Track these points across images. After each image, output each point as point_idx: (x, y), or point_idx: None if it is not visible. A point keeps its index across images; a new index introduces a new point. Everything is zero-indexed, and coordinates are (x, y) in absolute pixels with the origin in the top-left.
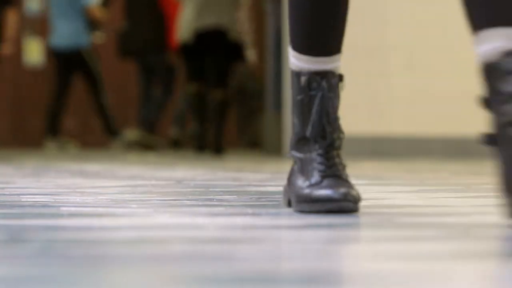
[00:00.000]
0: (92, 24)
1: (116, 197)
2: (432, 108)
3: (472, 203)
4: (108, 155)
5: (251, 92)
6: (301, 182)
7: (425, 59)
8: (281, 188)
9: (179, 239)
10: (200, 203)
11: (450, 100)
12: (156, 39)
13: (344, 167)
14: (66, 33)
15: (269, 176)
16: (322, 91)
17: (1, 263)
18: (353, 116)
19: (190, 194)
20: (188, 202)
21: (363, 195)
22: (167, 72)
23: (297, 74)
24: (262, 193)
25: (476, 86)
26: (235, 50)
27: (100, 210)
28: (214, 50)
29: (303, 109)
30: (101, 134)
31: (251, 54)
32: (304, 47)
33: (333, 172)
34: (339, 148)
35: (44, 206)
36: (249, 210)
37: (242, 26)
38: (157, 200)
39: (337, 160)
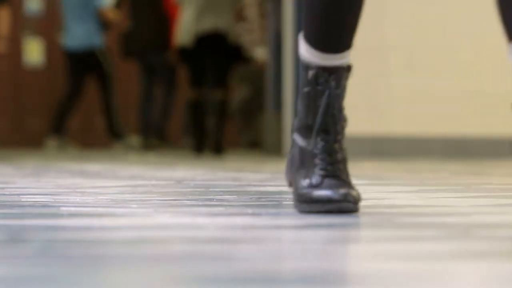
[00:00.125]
0: (104, 25)
1: (116, 197)
2: (432, 108)
3: (472, 203)
4: (109, 155)
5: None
6: (302, 180)
7: (425, 59)
8: (281, 188)
9: (179, 239)
10: (200, 203)
11: (450, 100)
12: (157, 39)
13: (345, 161)
14: (80, 34)
15: (269, 176)
16: (329, 89)
17: (1, 263)
18: (353, 116)
19: (190, 194)
20: (188, 202)
21: (363, 195)
22: (169, 72)
23: (305, 67)
24: (262, 193)
25: (476, 86)
26: (235, 52)
27: (100, 210)
28: (214, 53)
29: (308, 101)
30: (102, 134)
31: (260, 52)
32: (315, 42)
33: (334, 171)
34: (342, 138)
35: (44, 206)
36: (249, 210)
37: (252, 25)
38: (157, 200)
39: (339, 155)
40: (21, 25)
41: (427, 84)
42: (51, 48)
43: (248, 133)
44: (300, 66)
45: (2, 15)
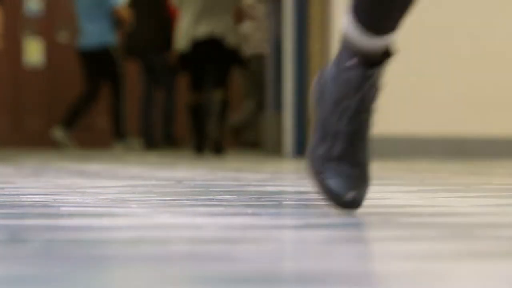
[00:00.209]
0: (118, 24)
1: (116, 197)
2: (432, 108)
3: (472, 203)
4: (109, 155)
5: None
6: (321, 147)
7: (425, 59)
8: (281, 188)
9: (179, 239)
10: (200, 203)
11: (450, 100)
12: (157, 39)
13: (368, 130)
14: (94, 33)
15: (269, 176)
16: (371, 83)
17: (1, 263)
18: None
19: (190, 194)
20: (188, 202)
21: None
22: (169, 72)
23: (347, 47)
24: (262, 193)
25: (476, 86)
26: (232, 56)
27: (100, 210)
28: (211, 58)
29: (348, 81)
30: (102, 133)
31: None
32: (366, 21)
33: (353, 155)
34: (371, 105)
35: (44, 206)
36: (249, 210)
37: (260, 23)
38: (157, 200)
39: (361, 136)
40: (21, 25)
41: (427, 84)
42: (51, 48)
43: (248, 134)
44: (342, 39)
45: None
